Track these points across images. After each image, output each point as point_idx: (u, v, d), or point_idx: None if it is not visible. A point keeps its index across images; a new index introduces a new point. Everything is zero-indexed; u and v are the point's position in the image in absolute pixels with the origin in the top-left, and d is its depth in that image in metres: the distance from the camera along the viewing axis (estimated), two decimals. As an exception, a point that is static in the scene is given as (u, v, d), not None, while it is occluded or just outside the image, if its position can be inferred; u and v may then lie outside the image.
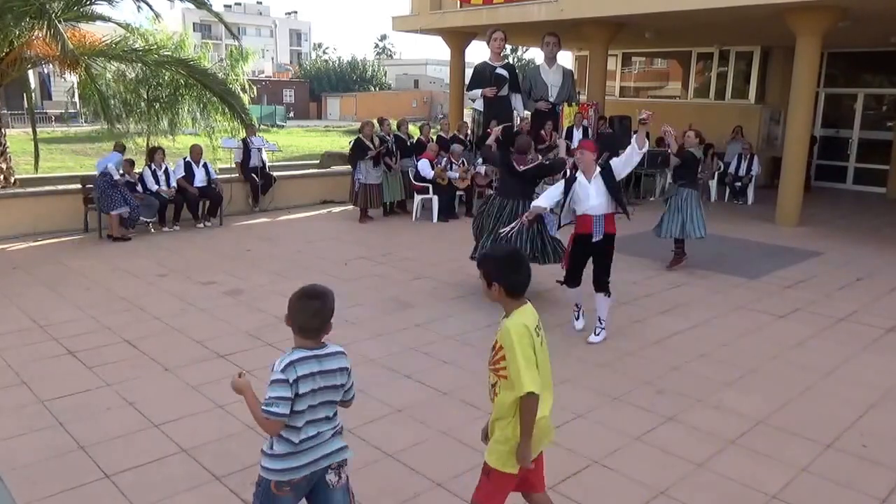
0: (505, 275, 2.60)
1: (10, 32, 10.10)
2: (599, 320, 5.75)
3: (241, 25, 68.38)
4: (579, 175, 5.59)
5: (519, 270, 2.63)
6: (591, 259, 5.73)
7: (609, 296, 5.72)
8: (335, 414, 2.60)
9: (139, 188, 9.69)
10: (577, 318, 6.02)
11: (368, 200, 10.72)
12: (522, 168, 6.71)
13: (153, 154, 10.12)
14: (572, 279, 5.80)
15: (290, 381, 2.43)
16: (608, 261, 5.70)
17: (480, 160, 11.28)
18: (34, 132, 13.01)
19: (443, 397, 4.58)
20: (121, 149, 9.77)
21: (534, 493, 2.83)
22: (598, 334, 5.71)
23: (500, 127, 8.06)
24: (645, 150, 5.58)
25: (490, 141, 7.18)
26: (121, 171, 9.31)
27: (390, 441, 3.96)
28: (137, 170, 9.95)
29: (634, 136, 5.61)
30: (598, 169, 5.59)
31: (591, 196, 5.52)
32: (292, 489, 2.53)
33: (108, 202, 9.06)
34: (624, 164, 5.63)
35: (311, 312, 2.53)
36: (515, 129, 12.43)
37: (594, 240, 5.55)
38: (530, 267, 2.72)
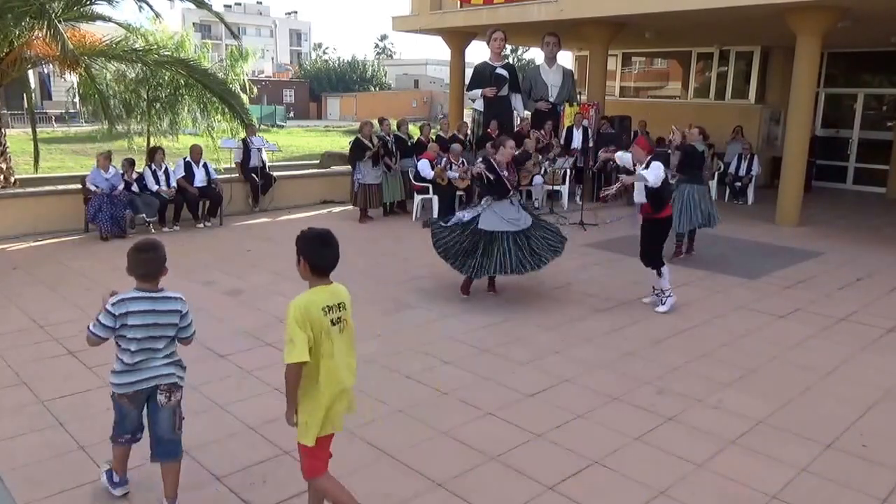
0: (311, 252, 2.88)
1: (10, 32, 10.09)
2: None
3: (241, 25, 68.32)
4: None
5: (324, 249, 2.89)
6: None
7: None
8: (167, 346, 3.18)
9: (134, 187, 9.68)
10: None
11: (368, 200, 10.72)
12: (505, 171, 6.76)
13: (153, 154, 10.12)
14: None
15: (117, 314, 3.04)
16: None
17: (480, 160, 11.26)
18: (34, 132, 13.01)
19: (443, 397, 4.58)
20: (102, 161, 9.51)
21: None
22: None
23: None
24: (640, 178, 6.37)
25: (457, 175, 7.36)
26: (97, 185, 9.28)
27: (390, 441, 3.96)
28: (138, 169, 9.94)
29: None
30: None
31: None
32: (130, 401, 3.19)
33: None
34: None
35: (143, 262, 3.11)
36: (515, 129, 12.47)
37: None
38: (338, 250, 2.94)
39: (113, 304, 3.04)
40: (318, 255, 2.89)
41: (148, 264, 3.12)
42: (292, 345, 2.73)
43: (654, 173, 6.20)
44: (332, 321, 2.83)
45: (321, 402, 2.84)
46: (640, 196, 6.45)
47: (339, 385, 2.87)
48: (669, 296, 6.52)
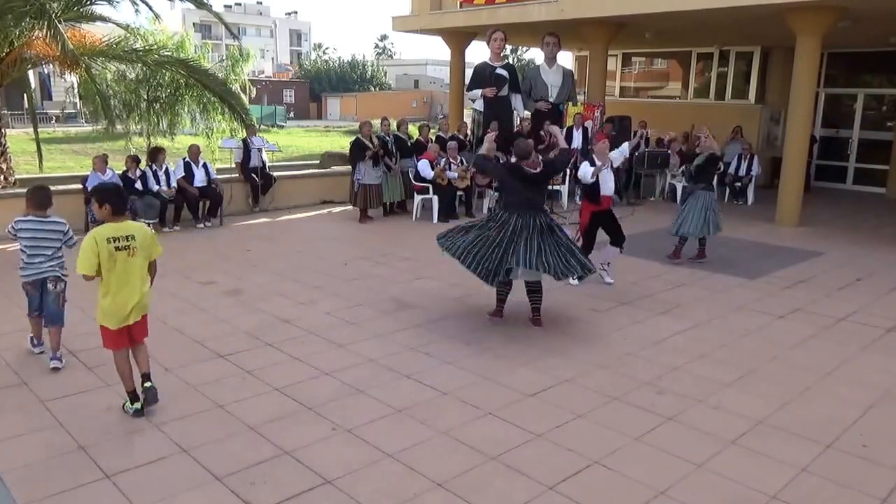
0: (113, 200, 4.09)
1: (11, 32, 10.08)
2: (608, 265, 7.44)
3: (242, 25, 68.33)
4: (600, 163, 7.02)
5: (119, 198, 4.18)
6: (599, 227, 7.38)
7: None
8: (53, 253, 4.97)
9: (138, 184, 9.68)
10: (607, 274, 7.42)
11: (368, 201, 10.71)
12: (536, 171, 5.93)
13: (156, 154, 10.11)
14: (591, 247, 7.32)
15: (14, 228, 4.96)
16: (617, 224, 7.37)
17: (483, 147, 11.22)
18: (35, 132, 13.00)
19: (443, 397, 4.58)
20: (98, 164, 9.48)
21: (133, 345, 4.29)
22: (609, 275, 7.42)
23: (494, 134, 6.92)
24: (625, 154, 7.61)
25: (485, 149, 6.47)
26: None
27: (390, 441, 3.97)
28: (141, 167, 9.94)
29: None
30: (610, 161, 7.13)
31: (609, 179, 7.14)
32: (32, 286, 4.98)
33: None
34: (617, 160, 7.43)
35: (34, 198, 4.96)
36: (515, 129, 12.46)
37: (608, 212, 7.28)
38: (125, 198, 4.36)
39: (14, 222, 4.95)
40: (117, 202, 4.11)
41: (38, 200, 4.96)
42: (81, 260, 4.01)
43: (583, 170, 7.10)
44: (115, 247, 4.02)
45: (110, 300, 4.07)
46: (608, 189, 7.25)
47: (125, 291, 4.07)
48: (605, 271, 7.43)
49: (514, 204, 5.87)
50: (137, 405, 4.22)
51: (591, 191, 7.24)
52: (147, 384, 4.24)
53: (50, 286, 4.95)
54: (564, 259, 5.71)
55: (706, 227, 8.13)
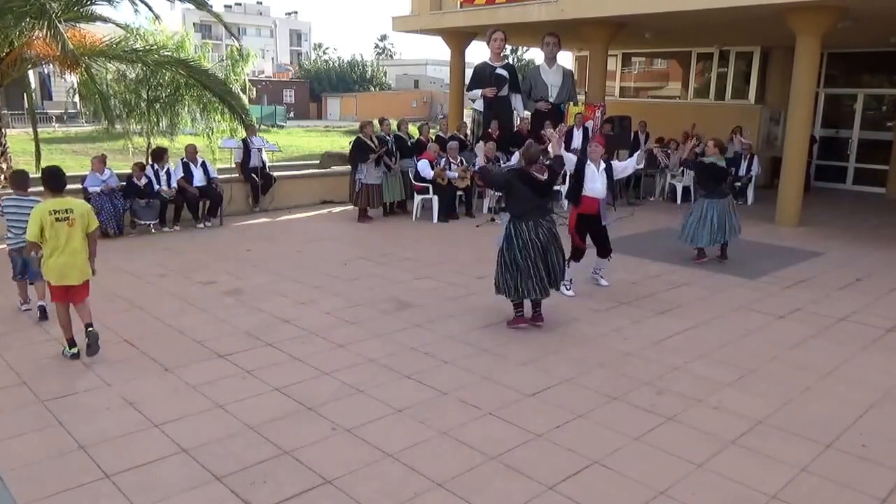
0: (47, 183, 5.05)
1: (11, 32, 10.08)
2: (600, 270, 7.29)
3: (242, 25, 68.37)
4: (589, 160, 6.87)
5: (54, 179, 5.07)
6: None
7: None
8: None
9: (151, 188, 9.72)
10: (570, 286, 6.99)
11: (368, 200, 10.72)
12: (544, 177, 5.79)
13: (161, 155, 10.10)
14: (581, 254, 7.03)
15: (3, 205, 5.90)
16: (605, 233, 7.11)
17: (477, 159, 11.23)
18: (35, 132, 13.00)
19: (443, 397, 4.58)
20: (96, 164, 9.47)
21: (74, 304, 5.09)
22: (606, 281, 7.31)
23: (490, 143, 6.75)
24: (640, 165, 7.33)
25: (481, 159, 6.19)
26: (100, 188, 9.32)
27: (390, 441, 3.97)
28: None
29: (637, 156, 7.22)
30: (603, 164, 6.89)
31: (596, 180, 6.81)
32: (18, 253, 5.90)
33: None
34: (621, 171, 7.20)
35: (16, 180, 5.99)
36: (515, 129, 12.46)
37: (602, 222, 6.97)
38: (61, 180, 5.14)
39: (2, 199, 5.98)
40: (51, 184, 5.04)
41: (17, 181, 5.95)
42: (28, 228, 4.91)
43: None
44: (56, 218, 4.86)
45: (51, 264, 4.92)
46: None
47: (64, 254, 4.91)
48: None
49: (526, 212, 5.73)
50: (75, 349, 5.04)
51: (573, 189, 6.90)
52: (90, 329, 5.04)
53: (33, 253, 5.64)
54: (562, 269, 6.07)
55: (713, 236, 8.08)
